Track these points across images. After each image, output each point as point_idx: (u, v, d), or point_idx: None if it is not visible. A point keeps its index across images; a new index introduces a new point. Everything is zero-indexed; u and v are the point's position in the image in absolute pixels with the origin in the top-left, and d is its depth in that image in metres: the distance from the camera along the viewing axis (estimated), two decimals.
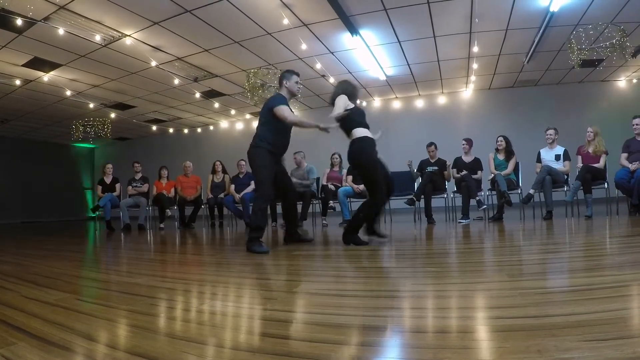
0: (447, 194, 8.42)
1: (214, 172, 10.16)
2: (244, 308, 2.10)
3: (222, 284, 2.80)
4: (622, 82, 12.74)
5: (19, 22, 7.44)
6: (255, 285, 2.75)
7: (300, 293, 2.35)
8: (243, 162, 9.83)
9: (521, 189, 7.85)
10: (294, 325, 1.73)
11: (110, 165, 10.27)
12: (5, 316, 1.98)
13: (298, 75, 5.06)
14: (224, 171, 10.13)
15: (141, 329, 1.74)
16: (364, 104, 14.37)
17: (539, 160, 7.81)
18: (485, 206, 7.78)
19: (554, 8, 7.73)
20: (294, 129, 5.07)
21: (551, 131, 7.78)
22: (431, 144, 8.43)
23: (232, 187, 9.65)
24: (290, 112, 4.78)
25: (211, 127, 17.38)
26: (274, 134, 4.79)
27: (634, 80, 12.60)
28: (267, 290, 2.58)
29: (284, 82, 4.98)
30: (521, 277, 2.52)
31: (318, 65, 10.32)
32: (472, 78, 12.27)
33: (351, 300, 2.13)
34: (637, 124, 7.16)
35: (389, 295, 2.27)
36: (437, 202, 8.25)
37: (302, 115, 12.80)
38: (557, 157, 7.62)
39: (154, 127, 16.76)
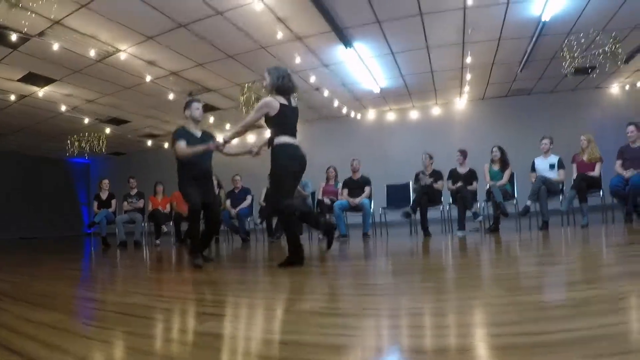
0: (443, 206, 8.41)
1: None
2: (240, 329, 2.09)
3: (218, 303, 2.79)
4: (615, 89, 12.83)
5: (13, 37, 7.45)
6: (252, 304, 2.73)
7: (296, 312, 2.34)
8: (238, 178, 9.84)
9: (516, 200, 7.86)
10: (291, 347, 1.71)
11: (106, 181, 10.24)
12: (1, 338, 1.96)
13: (199, 101, 5.22)
14: (219, 186, 10.11)
15: (138, 352, 1.73)
16: (359, 116, 14.49)
17: (533, 169, 7.82)
18: (481, 217, 7.80)
19: (546, 17, 7.81)
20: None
21: (546, 140, 7.79)
22: (425, 153, 8.46)
23: (228, 202, 9.62)
24: (183, 147, 4.82)
25: None
26: (187, 170, 4.93)
27: (627, 87, 12.67)
28: (264, 309, 2.56)
29: (185, 111, 5.11)
30: (519, 291, 2.51)
31: (312, 79, 10.35)
32: (466, 88, 12.33)
33: (348, 320, 2.11)
34: (631, 131, 7.18)
35: (386, 313, 2.26)
36: (433, 213, 8.25)
37: None
38: (552, 166, 7.63)
39: (149, 142, 16.72)
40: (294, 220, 4.34)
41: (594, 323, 1.69)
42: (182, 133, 4.95)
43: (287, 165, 4.31)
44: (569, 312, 1.92)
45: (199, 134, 5.07)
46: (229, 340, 1.86)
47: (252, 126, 4.83)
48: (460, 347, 1.61)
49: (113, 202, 10.09)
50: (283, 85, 4.40)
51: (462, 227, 7.48)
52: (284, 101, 4.35)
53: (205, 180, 5.04)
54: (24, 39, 7.63)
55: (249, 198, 9.69)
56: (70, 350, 1.74)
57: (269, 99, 4.40)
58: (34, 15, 6.88)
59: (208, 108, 12.62)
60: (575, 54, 8.29)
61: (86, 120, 12.83)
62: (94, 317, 2.52)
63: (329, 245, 4.69)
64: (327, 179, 9.11)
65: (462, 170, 8.25)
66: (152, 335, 2.03)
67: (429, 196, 7.94)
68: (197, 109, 5.09)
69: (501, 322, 1.85)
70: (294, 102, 4.51)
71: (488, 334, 1.75)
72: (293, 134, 4.42)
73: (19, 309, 2.67)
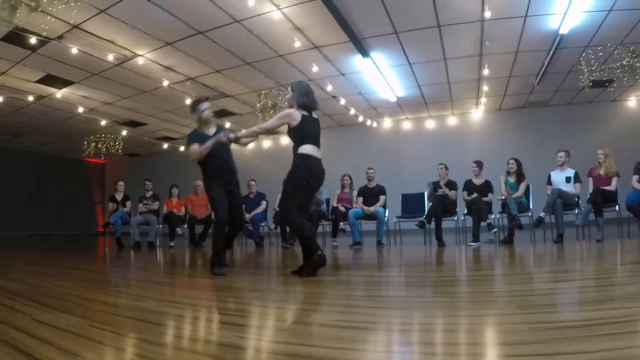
0: (458, 217, 8.38)
1: None
2: (252, 339, 2.10)
3: (232, 311, 2.79)
4: (632, 102, 12.68)
5: (33, 40, 7.57)
6: (266, 314, 2.73)
7: (311, 324, 2.34)
8: (253, 183, 9.86)
9: (532, 212, 7.81)
10: None
11: (122, 183, 10.33)
12: (17, 341, 1.97)
13: (206, 100, 4.99)
14: None
15: None
16: (375, 124, 14.48)
17: (549, 182, 7.76)
18: (495, 229, 7.76)
19: (564, 30, 7.77)
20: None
21: (562, 153, 7.74)
22: (440, 164, 8.44)
23: (243, 207, 9.62)
24: (196, 148, 4.61)
25: None
26: (208, 166, 4.74)
27: None
28: (278, 320, 2.56)
29: (193, 114, 4.93)
30: (531, 309, 2.48)
31: (329, 87, 10.37)
32: (483, 99, 12.28)
33: (362, 334, 2.11)
34: None
35: (400, 328, 2.26)
36: (447, 223, 8.22)
37: None
38: (568, 180, 7.58)
39: (165, 145, 16.85)
40: (306, 227, 4.30)
41: (605, 345, 1.68)
42: (194, 136, 4.78)
43: (305, 178, 4.29)
44: (582, 333, 1.89)
45: (212, 132, 4.83)
46: (239, 351, 1.86)
47: (268, 132, 4.81)
48: None
49: (128, 203, 10.18)
50: (310, 101, 4.41)
51: (476, 238, 7.46)
52: (305, 113, 4.36)
53: (229, 176, 4.84)
54: (43, 41, 7.75)
55: (263, 203, 9.71)
56: (85, 357, 1.76)
57: (291, 109, 4.39)
58: (53, 19, 7.00)
59: (225, 113, 12.70)
60: (593, 67, 8.25)
61: (103, 122, 12.98)
62: (106, 321, 2.52)
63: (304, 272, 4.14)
64: (342, 187, 9.11)
65: (478, 181, 8.22)
66: (164, 343, 2.05)
67: (444, 206, 7.93)
68: (205, 109, 4.85)
69: (513, 342, 1.84)
70: (314, 115, 4.52)
71: (499, 354, 1.75)
72: (316, 145, 4.40)
73: (31, 310, 2.69)
